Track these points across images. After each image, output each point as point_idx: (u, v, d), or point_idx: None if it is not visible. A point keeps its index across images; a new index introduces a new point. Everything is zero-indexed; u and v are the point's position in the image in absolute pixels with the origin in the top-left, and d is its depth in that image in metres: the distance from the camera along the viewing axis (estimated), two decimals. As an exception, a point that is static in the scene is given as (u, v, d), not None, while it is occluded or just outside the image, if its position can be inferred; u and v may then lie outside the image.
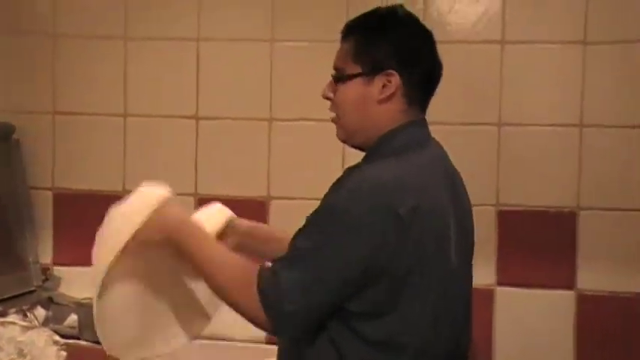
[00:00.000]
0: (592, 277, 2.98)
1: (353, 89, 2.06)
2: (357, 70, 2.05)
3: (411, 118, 2.07)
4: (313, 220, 2.00)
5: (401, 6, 2.12)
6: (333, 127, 3.03)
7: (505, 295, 2.98)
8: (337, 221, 1.93)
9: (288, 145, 3.15)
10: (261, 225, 2.44)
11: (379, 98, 2.04)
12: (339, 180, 2.09)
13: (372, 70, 2.04)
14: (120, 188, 3.21)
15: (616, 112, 2.96)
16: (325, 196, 2.05)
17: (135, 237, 2.03)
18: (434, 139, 2.13)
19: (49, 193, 3.29)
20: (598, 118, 2.97)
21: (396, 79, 2.03)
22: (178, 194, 3.12)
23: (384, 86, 2.04)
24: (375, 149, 2.06)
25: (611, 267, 2.98)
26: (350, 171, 2.07)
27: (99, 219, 3.21)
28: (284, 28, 3.14)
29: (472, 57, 2.97)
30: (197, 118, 3.19)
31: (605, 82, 2.97)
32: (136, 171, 3.22)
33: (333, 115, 2.11)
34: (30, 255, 3.22)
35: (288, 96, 3.15)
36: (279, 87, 3.16)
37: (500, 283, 2.97)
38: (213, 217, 2.28)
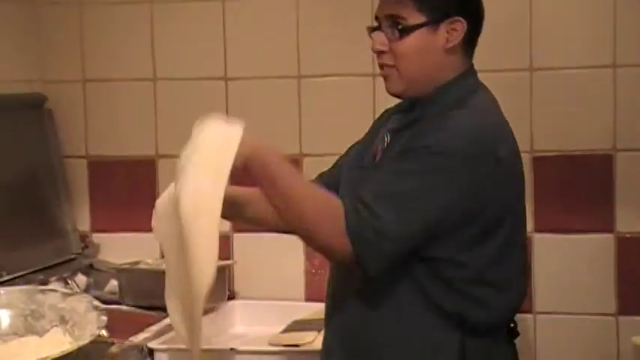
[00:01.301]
0: (631, 219, 2.95)
1: (418, 40, 2.03)
2: (422, 19, 2.02)
3: (468, 65, 2.11)
4: (408, 160, 1.99)
5: None
6: (361, 81, 3.02)
7: (543, 242, 2.96)
8: (438, 163, 1.94)
9: (318, 101, 3.14)
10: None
11: (446, 47, 2.04)
12: (414, 130, 2.05)
13: (438, 18, 2.02)
14: (152, 152, 3.24)
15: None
16: (403, 142, 2.04)
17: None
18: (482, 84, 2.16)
19: (84, 161, 3.31)
20: (631, 57, 2.92)
21: (462, 26, 2.03)
22: None
23: (449, 34, 2.03)
24: (440, 97, 2.06)
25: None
26: (433, 114, 2.03)
27: (133, 184, 3.27)
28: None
29: (500, 3, 2.92)
30: (226, 79, 3.19)
31: (637, 21, 2.91)
32: (168, 135, 3.22)
33: (389, 67, 2.07)
34: (68, 223, 3.25)
35: (316, 52, 3.13)
36: (306, 43, 3.13)
37: (537, 230, 2.95)
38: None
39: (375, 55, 2.10)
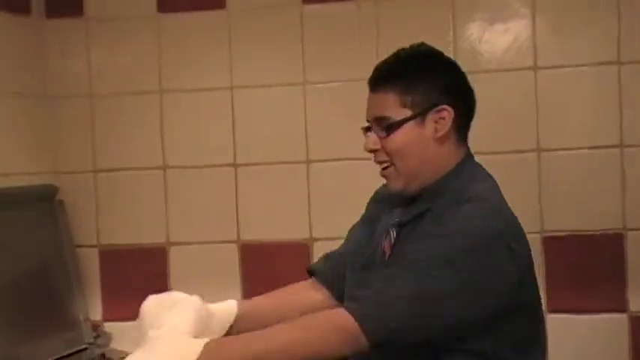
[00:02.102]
0: (644, 298, 2.94)
1: (407, 134, 2.04)
2: (407, 113, 2.03)
3: (464, 151, 2.10)
4: (423, 244, 1.95)
5: (422, 43, 2.14)
6: (370, 165, 3.03)
7: (557, 323, 2.93)
8: (453, 251, 1.90)
9: (328, 186, 3.14)
10: (251, 306, 2.25)
11: (436, 137, 2.04)
12: (417, 222, 2.06)
13: (423, 110, 2.03)
14: (164, 240, 3.23)
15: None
16: (409, 238, 2.04)
17: None
18: (481, 165, 2.15)
19: (95, 250, 3.30)
20: (639, 137, 2.94)
21: (448, 114, 2.03)
22: (221, 242, 3.18)
23: (437, 124, 2.04)
24: (444, 189, 2.04)
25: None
26: (432, 212, 2.02)
27: (145, 272, 3.26)
28: (315, 71, 3.14)
29: (506, 85, 2.96)
30: (235, 165, 3.19)
31: None
32: (179, 222, 3.23)
33: (384, 165, 2.09)
34: (80, 313, 3.22)
35: (324, 137, 3.14)
36: (314, 128, 3.15)
37: (551, 311, 2.92)
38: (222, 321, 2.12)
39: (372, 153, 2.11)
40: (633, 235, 2.93)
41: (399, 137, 2.04)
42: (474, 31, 3.01)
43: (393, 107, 2.04)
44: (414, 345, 1.91)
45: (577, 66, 2.97)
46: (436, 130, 2.03)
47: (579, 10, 2.97)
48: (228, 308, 2.15)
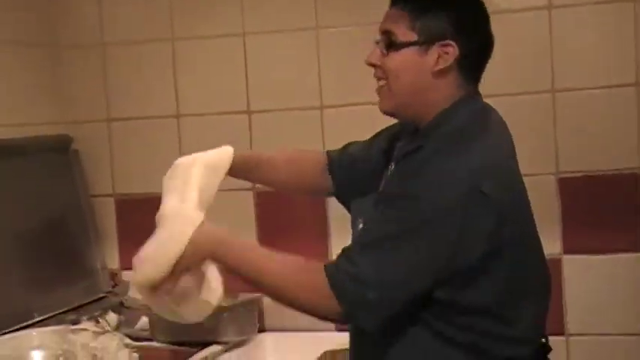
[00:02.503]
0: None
1: (406, 57, 2.00)
2: (412, 37, 1.99)
3: (466, 92, 2.04)
4: (389, 206, 1.97)
5: None
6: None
7: (573, 263, 2.94)
8: (419, 210, 1.90)
9: (341, 131, 3.08)
10: (251, 153, 2.43)
11: (434, 70, 1.99)
12: (405, 166, 2.04)
13: (428, 38, 1.99)
14: None
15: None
16: (395, 181, 2.05)
17: (177, 263, 1.99)
18: (488, 104, 2.09)
19: (111, 200, 3.34)
20: None
21: (453, 50, 1.98)
22: (236, 189, 3.18)
23: (439, 57, 1.99)
24: (435, 127, 2.01)
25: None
26: (418, 156, 2.00)
27: None
28: (328, 16, 3.13)
29: (519, 25, 2.93)
30: (249, 112, 3.21)
31: None
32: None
33: (381, 83, 2.06)
34: (97, 262, 3.27)
35: (337, 82, 3.14)
36: (327, 74, 3.14)
37: (567, 252, 2.92)
38: (218, 166, 2.29)
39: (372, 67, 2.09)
40: None
41: (398, 58, 2.01)
42: None
43: (402, 26, 2.00)
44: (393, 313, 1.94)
45: (592, 3, 2.94)
46: (437, 62, 1.99)
47: None
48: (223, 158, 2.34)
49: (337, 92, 3.14)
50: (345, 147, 2.40)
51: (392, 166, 2.12)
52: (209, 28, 3.21)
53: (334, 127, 3.14)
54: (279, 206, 3.19)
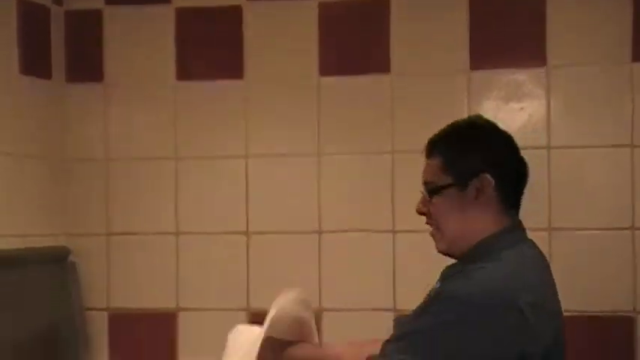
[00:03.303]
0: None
1: (447, 198, 2.12)
2: (449, 180, 2.11)
3: (508, 220, 2.13)
4: (428, 304, 2.03)
5: (479, 116, 2.26)
6: (381, 237, 3.04)
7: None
8: (456, 308, 1.95)
9: (339, 256, 3.14)
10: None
11: (476, 202, 2.10)
12: (445, 284, 2.10)
13: (464, 177, 2.10)
14: (174, 305, 3.22)
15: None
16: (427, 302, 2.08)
17: None
18: (530, 239, 2.18)
19: (105, 314, 3.29)
20: None
21: (488, 180, 2.08)
22: (231, 309, 3.19)
23: (478, 190, 2.09)
24: (477, 252, 2.08)
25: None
26: (456, 272, 2.10)
27: (154, 337, 3.24)
28: (330, 143, 3.16)
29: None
30: (248, 233, 3.19)
31: None
32: (189, 288, 3.23)
33: (432, 228, 2.17)
34: None
35: (336, 208, 3.15)
36: (326, 199, 3.15)
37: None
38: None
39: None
40: None
41: (441, 201, 2.12)
42: (489, 108, 3.02)
43: (438, 173, 2.13)
44: None
45: (590, 147, 2.98)
46: (476, 196, 2.09)
47: (593, 92, 2.99)
48: None
49: (336, 218, 3.14)
50: None
51: (437, 286, 2.17)
52: (212, 148, 3.22)
53: (332, 252, 3.13)
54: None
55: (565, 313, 2.85)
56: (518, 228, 2.16)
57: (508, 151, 2.16)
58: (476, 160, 2.11)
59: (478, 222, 2.11)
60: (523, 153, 2.92)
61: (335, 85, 3.14)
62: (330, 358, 2.29)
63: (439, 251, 2.17)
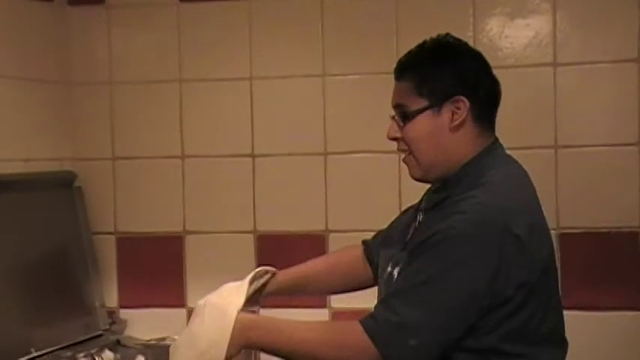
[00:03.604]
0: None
1: (423, 123, 2.08)
2: (424, 103, 2.07)
3: (486, 141, 2.11)
4: (424, 250, 2.00)
5: (447, 34, 2.18)
6: (387, 158, 3.04)
7: (572, 319, 2.90)
8: (454, 249, 1.95)
9: (344, 178, 3.16)
10: (296, 274, 2.46)
11: (451, 126, 2.07)
12: (435, 214, 2.10)
13: (438, 100, 2.06)
14: (180, 229, 3.26)
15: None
16: (425, 229, 2.08)
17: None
18: (509, 156, 2.17)
19: (112, 238, 3.33)
20: None
21: (464, 104, 2.06)
22: (237, 232, 3.21)
23: (453, 114, 2.07)
24: (463, 177, 2.07)
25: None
26: (446, 203, 2.07)
27: (161, 260, 3.26)
28: (334, 63, 3.15)
29: (525, 81, 2.96)
30: (253, 155, 3.21)
31: None
32: (195, 211, 3.25)
33: (404, 154, 2.14)
34: (96, 299, 3.24)
35: (342, 129, 3.15)
36: (332, 120, 3.16)
37: (566, 307, 2.90)
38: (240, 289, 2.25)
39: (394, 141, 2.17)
40: None
41: (415, 126, 2.08)
42: (494, 25, 3.01)
43: (411, 96, 2.08)
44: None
45: (597, 62, 2.97)
46: (452, 119, 2.06)
47: (600, 6, 2.97)
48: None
49: (341, 139, 3.15)
50: (378, 232, 2.45)
51: (420, 217, 2.18)
52: (217, 71, 3.22)
53: (337, 174, 3.15)
54: (279, 250, 3.17)
55: (572, 230, 2.95)
56: (497, 147, 2.14)
57: (481, 71, 2.13)
58: (450, 81, 2.07)
59: (456, 146, 2.08)
60: (529, 71, 2.89)
61: (339, 4, 3.12)
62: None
63: (414, 178, 2.15)
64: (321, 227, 3.12)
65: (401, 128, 2.11)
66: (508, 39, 2.97)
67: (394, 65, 2.80)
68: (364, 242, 2.46)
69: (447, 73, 2.08)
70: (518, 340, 1.99)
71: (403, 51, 2.93)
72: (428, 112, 2.06)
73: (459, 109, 2.05)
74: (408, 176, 2.25)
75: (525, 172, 2.14)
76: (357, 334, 1.93)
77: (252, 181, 3.19)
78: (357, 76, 3.11)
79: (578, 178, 2.97)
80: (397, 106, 2.12)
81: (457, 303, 1.93)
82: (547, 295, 2.06)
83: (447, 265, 1.94)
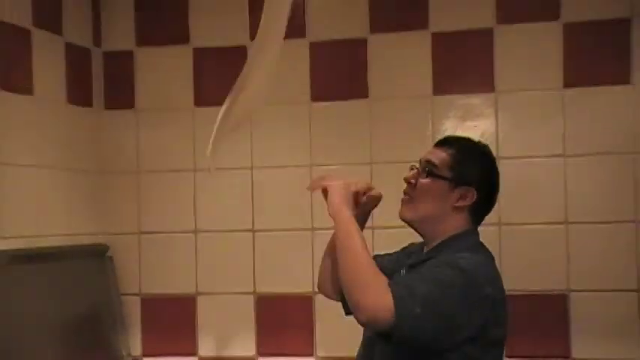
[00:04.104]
0: (586, 347, 2.94)
1: (438, 187, 2.09)
2: (448, 175, 2.09)
3: (472, 227, 2.13)
4: (439, 272, 1.98)
5: (485, 145, 2.20)
6: (369, 230, 3.01)
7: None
8: (458, 276, 1.94)
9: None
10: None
11: (454, 205, 2.09)
12: (419, 266, 2.09)
13: (459, 181, 2.09)
14: (193, 290, 3.23)
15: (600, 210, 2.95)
16: (431, 263, 2.05)
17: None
18: (482, 243, 2.16)
19: (138, 298, 3.30)
20: (580, 215, 2.96)
21: (472, 195, 2.09)
22: (240, 293, 3.16)
23: (460, 197, 2.09)
24: (445, 246, 2.08)
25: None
26: (451, 254, 2.05)
27: (178, 317, 3.13)
28: (319, 156, 3.15)
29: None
30: (253, 230, 3.21)
31: (584, 187, 2.97)
32: (206, 276, 3.23)
33: (407, 196, 2.13)
34: (123, 349, 3.22)
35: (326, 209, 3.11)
36: (318, 203, 3.09)
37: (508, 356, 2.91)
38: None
39: (406, 184, 2.14)
40: (575, 296, 2.95)
41: (431, 184, 2.10)
42: (449, 126, 3.02)
43: (444, 163, 2.10)
44: (421, 341, 1.94)
45: (531, 157, 2.99)
46: (458, 200, 2.09)
47: (532, 112, 2.99)
48: None
49: (326, 217, 3.08)
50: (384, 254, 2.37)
51: (403, 270, 2.16)
52: (224, 161, 3.03)
53: (322, 245, 2.95)
54: (274, 308, 3.15)
55: (511, 292, 2.80)
56: (476, 234, 2.15)
57: (494, 177, 2.16)
58: (473, 174, 2.10)
59: (447, 219, 2.09)
60: None
61: (323, 111, 3.15)
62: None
63: (402, 217, 2.12)
64: (309, 289, 3.09)
65: (420, 177, 2.11)
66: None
67: (368, 159, 2.81)
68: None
69: (474, 167, 2.10)
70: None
71: (375, 146, 2.96)
72: (445, 182, 2.08)
73: (466, 196, 2.09)
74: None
75: (491, 255, 2.14)
76: (386, 288, 1.87)
77: (253, 251, 3.18)
78: (337, 166, 3.09)
79: (518, 250, 2.96)
80: (428, 162, 2.11)
81: (451, 312, 1.92)
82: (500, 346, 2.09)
83: (452, 286, 1.93)
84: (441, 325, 1.92)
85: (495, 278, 2.07)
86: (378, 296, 1.88)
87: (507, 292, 2.78)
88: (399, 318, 1.86)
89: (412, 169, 2.16)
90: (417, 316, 1.87)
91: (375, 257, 2.29)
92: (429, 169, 2.10)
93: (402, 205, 2.15)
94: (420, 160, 2.15)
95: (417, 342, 1.92)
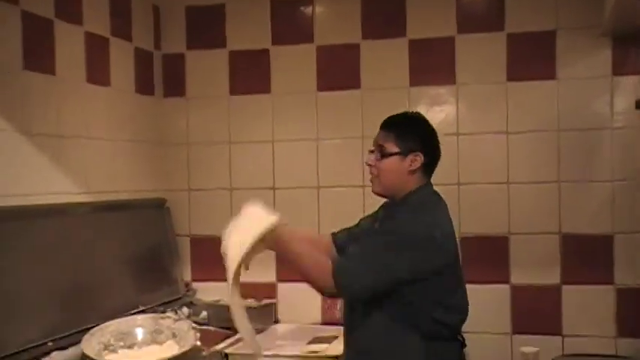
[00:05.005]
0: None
1: (392, 162, 2.07)
2: (396, 149, 2.07)
3: (425, 181, 2.12)
4: (374, 236, 2.02)
5: (418, 113, 2.19)
6: (361, 190, 3.04)
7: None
8: (396, 238, 1.94)
9: (332, 204, 3.12)
10: (298, 231, 2.18)
11: (409, 170, 2.07)
12: (384, 224, 2.09)
13: (406, 151, 2.07)
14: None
15: (532, 173, 2.93)
16: (380, 223, 2.09)
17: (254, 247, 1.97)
18: (436, 192, 2.15)
19: (188, 238, 3.28)
20: (519, 177, 2.93)
21: (420, 158, 2.08)
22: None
23: (412, 162, 2.07)
24: (406, 199, 2.07)
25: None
26: (399, 211, 2.05)
27: (218, 251, 3.15)
28: (324, 132, 3.12)
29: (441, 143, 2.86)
30: (274, 188, 3.18)
31: (521, 156, 2.93)
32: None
33: (372, 175, 2.11)
34: (177, 275, 3.22)
35: (329, 171, 3.12)
36: (323, 166, 3.13)
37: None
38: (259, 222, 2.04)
39: (368, 167, 2.15)
40: (514, 239, 2.93)
41: (387, 163, 2.07)
42: (422, 111, 2.57)
43: (391, 142, 2.07)
44: (370, 293, 1.96)
45: (482, 133, 2.96)
46: (410, 165, 2.07)
47: (484, 100, 2.96)
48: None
49: (328, 179, 3.11)
50: (343, 229, 2.35)
51: (377, 224, 2.17)
52: (252, 135, 3.19)
53: (327, 202, 3.11)
54: None
55: (467, 235, 2.97)
56: (430, 186, 2.13)
57: (434, 137, 2.14)
58: (416, 141, 2.07)
59: (406, 181, 2.07)
60: (442, 137, 2.95)
61: (327, 99, 3.10)
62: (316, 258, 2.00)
63: (374, 192, 2.12)
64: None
65: (377, 160, 2.08)
66: (430, 119, 2.87)
67: (360, 134, 2.79)
68: (333, 234, 2.33)
69: (415, 135, 2.08)
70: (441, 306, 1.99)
71: (367, 125, 2.95)
72: (397, 156, 2.06)
73: (416, 160, 2.07)
74: (370, 205, 2.30)
75: (444, 201, 2.13)
76: (326, 268, 1.91)
77: (273, 204, 3.08)
78: (338, 140, 3.09)
79: (473, 203, 2.94)
80: (379, 146, 2.09)
81: (390, 264, 1.92)
82: (456, 275, 2.09)
83: (388, 242, 1.95)
84: (377, 272, 1.91)
85: (443, 221, 2.04)
86: (320, 268, 1.92)
87: (464, 235, 2.99)
88: (339, 277, 1.90)
89: (371, 152, 2.13)
90: (353, 272, 1.90)
91: (332, 234, 2.34)
92: (380, 151, 2.08)
93: (371, 182, 2.13)
94: (374, 143, 2.13)
95: (364, 292, 1.93)
